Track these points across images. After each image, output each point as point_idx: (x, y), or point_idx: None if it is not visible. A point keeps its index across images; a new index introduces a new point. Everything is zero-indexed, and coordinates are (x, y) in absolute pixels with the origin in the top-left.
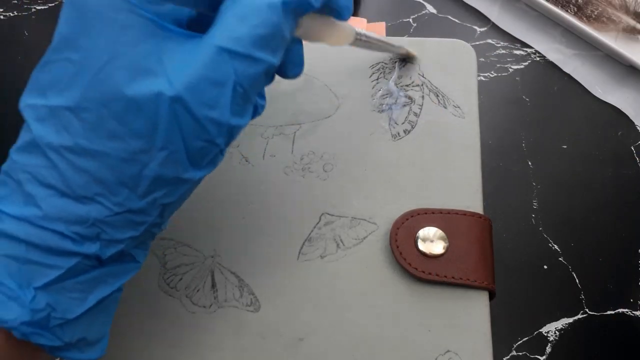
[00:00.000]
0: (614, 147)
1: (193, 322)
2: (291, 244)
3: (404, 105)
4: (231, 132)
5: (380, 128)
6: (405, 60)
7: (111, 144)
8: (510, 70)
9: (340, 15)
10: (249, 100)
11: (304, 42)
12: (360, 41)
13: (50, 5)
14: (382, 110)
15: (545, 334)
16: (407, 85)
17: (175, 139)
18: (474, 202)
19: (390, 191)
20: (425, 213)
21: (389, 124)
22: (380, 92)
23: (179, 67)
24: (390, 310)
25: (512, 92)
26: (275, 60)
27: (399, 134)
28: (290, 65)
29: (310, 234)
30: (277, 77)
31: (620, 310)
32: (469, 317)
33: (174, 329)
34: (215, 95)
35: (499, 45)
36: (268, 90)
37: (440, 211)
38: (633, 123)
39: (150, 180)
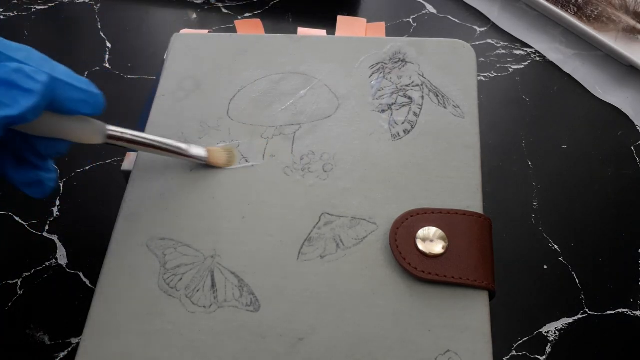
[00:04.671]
0: (614, 147)
1: (193, 322)
2: (291, 244)
3: (404, 105)
4: None
5: (380, 128)
6: (405, 60)
7: None
8: (510, 70)
9: (78, 110)
10: None
11: None
12: (123, 140)
13: (50, 5)
14: (382, 110)
15: (545, 334)
16: (407, 85)
17: None
18: (474, 202)
19: (390, 191)
20: (425, 213)
21: (389, 124)
22: (380, 92)
23: None
24: (390, 310)
25: (512, 92)
26: None
27: (398, 134)
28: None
29: (310, 234)
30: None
31: (620, 310)
32: (469, 317)
33: (174, 329)
34: None
35: (499, 45)
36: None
37: (440, 211)
38: (633, 123)
39: None
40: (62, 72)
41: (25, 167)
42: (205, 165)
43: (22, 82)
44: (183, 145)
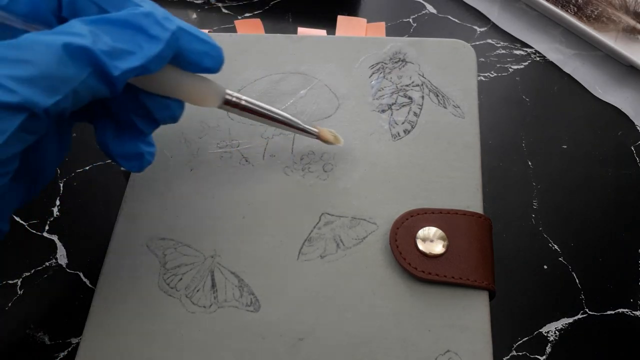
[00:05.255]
0: (614, 147)
1: (193, 322)
2: (291, 244)
3: (404, 105)
4: None
5: (380, 128)
6: (405, 60)
7: None
8: (510, 70)
9: (199, 67)
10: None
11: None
12: (239, 107)
13: None
14: (382, 110)
15: (545, 334)
16: (407, 85)
17: None
18: (474, 202)
19: (390, 191)
20: (425, 213)
21: (389, 124)
22: (380, 92)
23: None
24: (390, 310)
25: (512, 92)
26: (38, 98)
27: (399, 134)
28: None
29: (310, 234)
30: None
31: (620, 310)
32: (469, 317)
33: (174, 329)
34: None
35: (499, 45)
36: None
37: (440, 211)
38: (633, 123)
39: None
40: (185, 24)
41: (125, 137)
42: (204, 166)
43: (151, 28)
44: (297, 120)
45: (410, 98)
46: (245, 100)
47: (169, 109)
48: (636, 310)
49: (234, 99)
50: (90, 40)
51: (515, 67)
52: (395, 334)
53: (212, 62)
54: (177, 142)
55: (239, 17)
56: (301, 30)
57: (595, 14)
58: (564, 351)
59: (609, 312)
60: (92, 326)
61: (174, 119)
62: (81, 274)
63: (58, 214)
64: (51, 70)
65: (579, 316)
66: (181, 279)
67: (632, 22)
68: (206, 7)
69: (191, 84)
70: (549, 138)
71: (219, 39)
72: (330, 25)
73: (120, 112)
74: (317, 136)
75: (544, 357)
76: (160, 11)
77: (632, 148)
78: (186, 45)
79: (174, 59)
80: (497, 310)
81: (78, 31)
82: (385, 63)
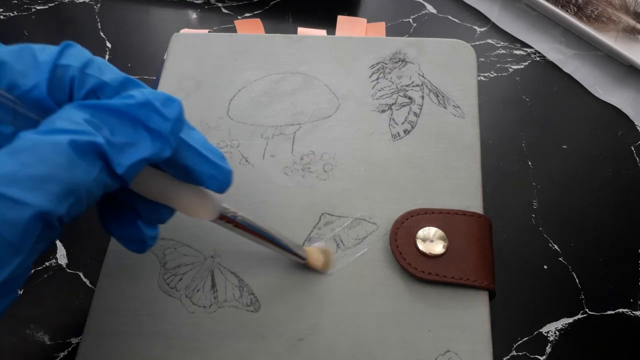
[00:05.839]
0: (614, 147)
1: (193, 322)
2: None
3: (404, 105)
4: None
5: (380, 128)
6: (405, 60)
7: None
8: (510, 70)
9: (203, 184)
10: (17, 251)
11: None
12: (232, 224)
13: (50, 5)
14: (382, 111)
15: (545, 334)
16: (407, 85)
17: None
18: (474, 202)
19: (390, 191)
20: (425, 213)
21: (389, 124)
22: (380, 92)
23: None
24: (390, 310)
25: (512, 92)
26: (51, 206)
27: (398, 134)
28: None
29: (310, 234)
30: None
31: (620, 310)
32: (469, 317)
33: (174, 329)
34: None
35: (499, 45)
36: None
37: (440, 211)
38: (633, 123)
39: None
40: (197, 139)
41: (125, 220)
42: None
43: (149, 121)
44: (288, 243)
45: (410, 98)
46: (241, 217)
47: (158, 214)
48: (636, 310)
49: (229, 215)
50: (94, 133)
51: (515, 67)
52: (395, 334)
53: (216, 186)
54: None
55: (239, 17)
56: (301, 30)
57: (595, 14)
58: (564, 351)
59: (609, 312)
60: (92, 326)
61: (162, 222)
62: (81, 274)
63: None
64: (61, 172)
65: (579, 316)
66: (181, 279)
67: (632, 22)
68: (206, 7)
69: (186, 198)
70: (549, 138)
71: (219, 39)
72: (330, 25)
73: (117, 202)
74: (305, 262)
75: (544, 357)
76: (159, 98)
77: (632, 148)
78: (190, 164)
79: (172, 167)
80: (497, 310)
81: (77, 120)
82: (385, 63)
